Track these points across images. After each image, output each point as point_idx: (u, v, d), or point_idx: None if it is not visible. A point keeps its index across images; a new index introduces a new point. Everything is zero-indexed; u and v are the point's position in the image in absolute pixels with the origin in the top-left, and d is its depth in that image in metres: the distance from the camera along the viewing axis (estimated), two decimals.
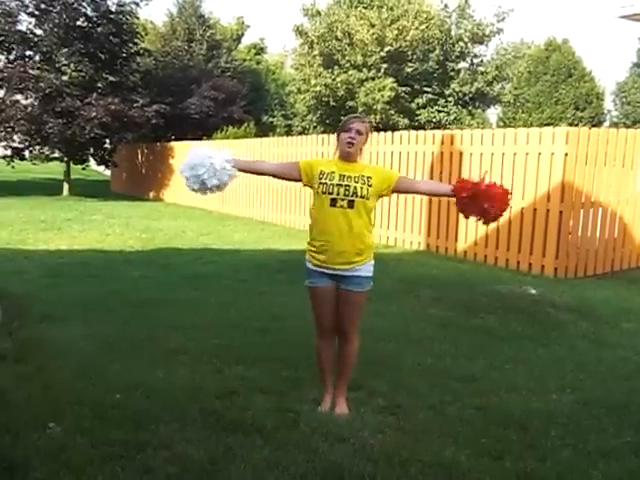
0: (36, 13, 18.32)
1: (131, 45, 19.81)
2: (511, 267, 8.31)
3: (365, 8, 21.53)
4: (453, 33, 21.05)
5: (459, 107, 21.06)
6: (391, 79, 19.66)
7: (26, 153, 19.88)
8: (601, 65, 54.24)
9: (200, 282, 6.80)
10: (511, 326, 5.32)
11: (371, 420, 3.31)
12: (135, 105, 18.54)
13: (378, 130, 13.91)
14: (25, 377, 3.69)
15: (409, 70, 20.25)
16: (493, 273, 7.94)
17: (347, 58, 20.49)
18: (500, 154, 8.48)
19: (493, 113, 30.90)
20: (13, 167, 19.88)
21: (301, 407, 3.42)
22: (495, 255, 8.60)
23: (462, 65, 21.71)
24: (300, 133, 22.18)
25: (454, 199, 3.29)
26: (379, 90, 19.55)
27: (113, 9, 18.97)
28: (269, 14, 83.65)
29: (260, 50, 34.88)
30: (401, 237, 10.12)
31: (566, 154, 7.74)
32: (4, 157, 19.66)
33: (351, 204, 3.23)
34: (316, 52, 20.91)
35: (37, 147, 19.54)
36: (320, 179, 3.29)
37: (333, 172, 3.29)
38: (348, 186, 3.24)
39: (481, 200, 3.16)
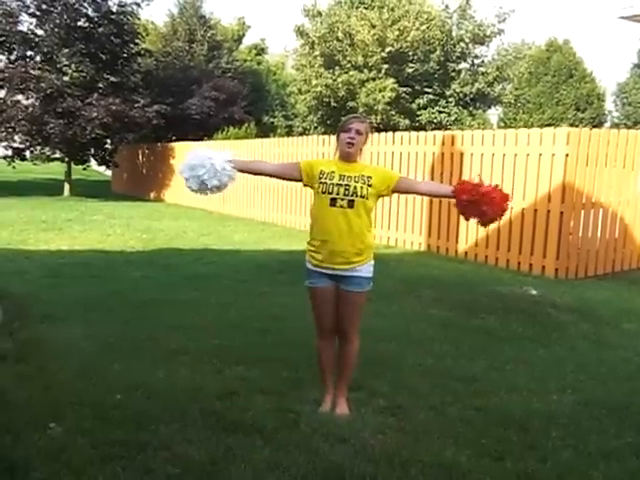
0: (37, 13, 18.33)
1: (132, 45, 19.83)
2: (512, 268, 8.31)
3: (366, 9, 21.53)
4: (454, 34, 21.04)
5: (460, 108, 21.05)
6: (392, 80, 19.66)
7: (27, 153, 19.88)
8: (602, 66, 54.25)
9: (201, 282, 6.80)
10: (512, 327, 5.32)
11: (372, 420, 3.31)
12: (136, 105, 18.55)
13: (379, 131, 13.91)
14: (26, 377, 3.69)
15: (410, 71, 20.25)
16: (494, 274, 7.93)
17: (348, 59, 20.49)
18: (501, 155, 8.48)
19: (494, 114, 30.89)
20: (14, 167, 19.90)
21: (302, 408, 3.42)
22: (496, 256, 8.60)
23: (463, 66, 21.70)
24: (301, 134, 22.19)
25: (454, 200, 3.30)
26: (380, 91, 19.54)
27: (114, 9, 18.98)
28: (270, 15, 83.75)
29: (261, 51, 34.89)
30: (402, 238, 10.12)
31: (567, 155, 7.73)
32: (5, 157, 19.67)
33: (351, 204, 3.24)
34: (317, 53, 20.90)
35: (38, 147, 19.55)
36: (320, 179, 3.29)
37: (333, 172, 3.29)
38: (348, 186, 3.24)
39: (481, 203, 3.17)
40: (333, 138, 3.40)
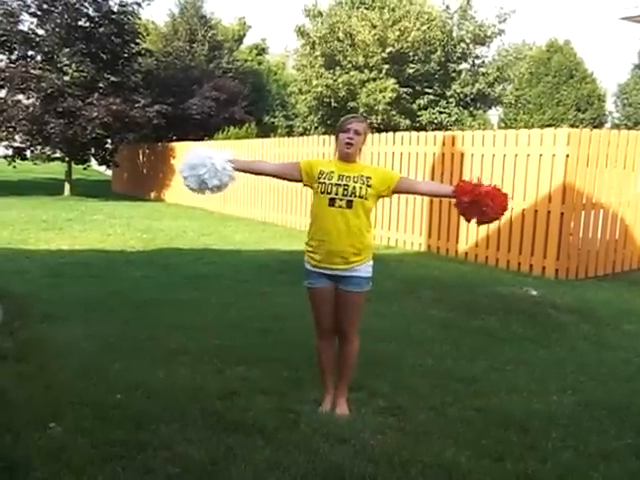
0: (38, 13, 18.34)
1: (133, 45, 19.84)
2: (512, 268, 8.31)
3: (367, 9, 21.53)
4: (455, 34, 21.04)
5: (460, 108, 21.04)
6: (392, 80, 19.65)
7: (27, 153, 19.89)
8: (602, 66, 54.27)
9: (201, 282, 6.80)
10: (512, 327, 5.32)
11: (372, 421, 3.31)
12: (136, 105, 18.55)
13: (379, 131, 13.91)
14: (26, 377, 3.69)
15: (410, 71, 20.24)
16: (494, 274, 7.93)
17: (349, 59, 20.49)
18: (501, 155, 8.48)
19: (494, 114, 30.89)
20: (14, 167, 19.91)
21: (302, 408, 3.42)
22: (496, 256, 8.60)
23: (463, 66, 21.69)
24: (301, 134, 22.19)
25: (455, 201, 3.30)
26: (380, 91, 19.54)
27: (115, 9, 19.00)
28: (271, 15, 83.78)
29: (262, 51, 34.89)
30: (402, 238, 10.12)
31: (567, 155, 7.73)
32: (5, 157, 19.69)
33: (349, 204, 3.24)
34: (318, 53, 20.90)
35: (38, 147, 19.55)
36: (319, 179, 3.30)
37: (332, 172, 3.29)
38: (347, 186, 3.24)
39: (481, 204, 3.17)
40: (333, 138, 3.40)
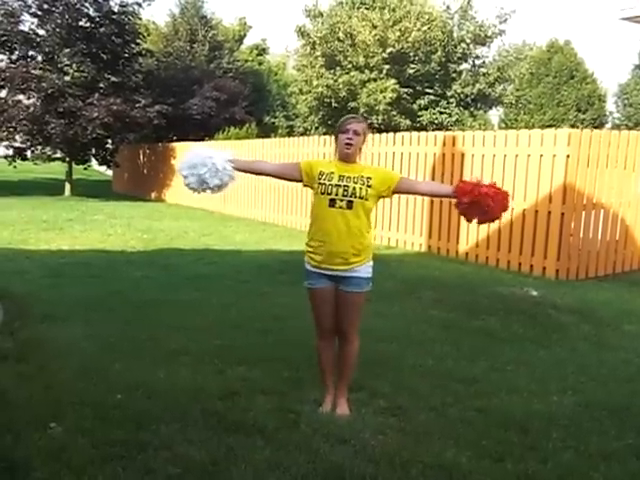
0: (39, 13, 18.34)
1: (133, 46, 19.84)
2: (512, 269, 8.30)
3: (367, 9, 21.52)
4: (455, 34, 21.03)
5: (461, 108, 21.04)
6: (393, 80, 19.65)
7: (28, 153, 19.91)
8: (603, 67, 54.28)
9: (202, 283, 6.80)
10: (512, 328, 5.32)
11: (372, 421, 3.31)
12: (137, 105, 18.56)
13: (380, 131, 13.90)
14: (26, 377, 3.69)
15: (411, 71, 20.23)
16: (494, 275, 7.93)
17: (349, 59, 20.48)
18: (502, 156, 8.48)
19: (495, 115, 30.90)
20: (15, 167, 19.92)
21: (302, 408, 3.42)
22: (497, 257, 8.60)
23: (464, 66, 21.69)
24: (302, 134, 22.19)
25: (455, 201, 3.29)
26: (381, 91, 19.54)
27: (115, 9, 19.00)
28: (271, 15, 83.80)
29: (262, 51, 34.89)
30: (402, 238, 10.12)
31: (568, 156, 7.73)
32: (6, 157, 19.71)
33: (350, 205, 3.23)
34: (318, 53, 20.90)
35: (39, 147, 19.57)
36: (319, 179, 3.29)
37: (332, 173, 3.29)
38: (347, 187, 3.24)
39: (482, 204, 3.17)
40: (334, 139, 3.40)
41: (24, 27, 18.53)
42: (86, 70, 18.35)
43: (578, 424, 3.34)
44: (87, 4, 18.50)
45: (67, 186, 19.75)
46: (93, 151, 20.31)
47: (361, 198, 3.24)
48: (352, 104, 20.16)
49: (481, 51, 21.89)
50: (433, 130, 16.90)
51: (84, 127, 17.59)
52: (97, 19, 18.75)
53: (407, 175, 9.29)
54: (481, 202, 3.16)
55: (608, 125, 29.59)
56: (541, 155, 8.01)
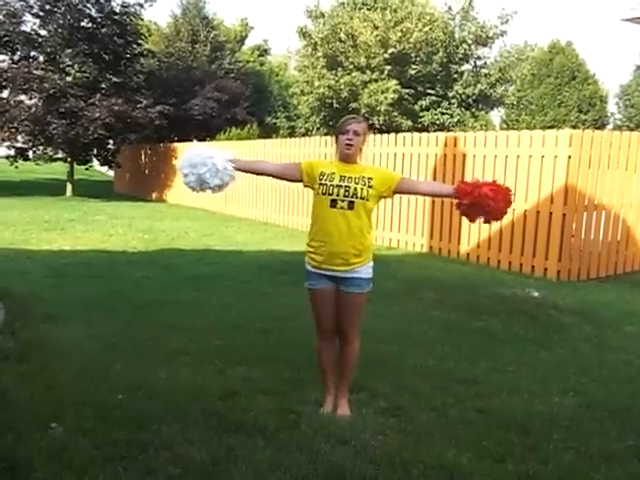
0: (40, 14, 18.37)
1: (135, 46, 19.87)
2: (514, 269, 8.30)
3: (369, 10, 21.55)
4: (457, 35, 21.05)
5: (462, 109, 21.05)
6: (394, 81, 19.67)
7: (30, 153, 19.93)
8: (605, 68, 54.27)
9: (202, 283, 6.80)
10: (514, 329, 5.31)
11: (373, 422, 3.31)
12: (139, 106, 18.58)
13: (381, 132, 13.91)
14: (28, 377, 3.70)
15: (412, 72, 20.25)
16: (496, 275, 7.93)
17: (350, 60, 20.50)
18: (503, 157, 8.47)
19: (496, 115, 30.91)
20: (17, 167, 19.94)
21: (303, 408, 3.42)
22: (498, 257, 8.59)
23: (465, 67, 21.71)
24: (303, 134, 22.21)
25: (456, 201, 3.29)
26: (382, 92, 19.56)
27: (117, 10, 19.02)
28: (273, 16, 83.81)
29: (264, 51, 34.94)
30: (404, 239, 10.11)
31: (569, 157, 7.73)
32: (8, 157, 19.72)
33: (351, 205, 3.23)
34: (320, 54, 20.92)
35: (41, 147, 19.60)
36: (320, 180, 3.29)
37: (333, 173, 3.29)
38: (348, 187, 3.24)
39: (483, 204, 3.15)
40: (334, 139, 3.40)
41: (26, 27, 18.59)
42: (88, 70, 18.37)
43: (579, 425, 3.33)
44: (89, 5, 18.53)
45: (69, 186, 19.77)
46: (95, 151, 20.33)
47: (362, 198, 3.24)
48: (353, 105, 20.18)
49: (483, 52, 21.94)
50: (434, 131, 16.91)
51: (86, 127, 17.61)
52: (99, 20, 18.77)
53: (409, 176, 9.29)
54: (481, 203, 3.15)
55: (610, 126, 29.60)
56: (542, 156, 8.00)
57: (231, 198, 14.84)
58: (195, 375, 3.84)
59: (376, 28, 19.77)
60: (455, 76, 21.07)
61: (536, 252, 8.09)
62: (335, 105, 20.66)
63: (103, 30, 18.56)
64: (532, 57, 31.94)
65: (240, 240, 10.56)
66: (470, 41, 20.76)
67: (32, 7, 18.38)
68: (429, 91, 20.89)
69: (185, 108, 22.20)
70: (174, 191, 18.66)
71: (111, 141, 20.08)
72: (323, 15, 22.33)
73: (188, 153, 3.28)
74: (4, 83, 18.00)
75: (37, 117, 17.66)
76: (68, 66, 18.67)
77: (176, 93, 22.54)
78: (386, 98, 19.43)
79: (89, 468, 2.68)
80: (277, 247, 9.71)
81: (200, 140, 19.19)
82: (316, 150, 11.91)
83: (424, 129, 18.86)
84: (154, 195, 20.26)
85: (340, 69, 20.68)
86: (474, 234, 8.85)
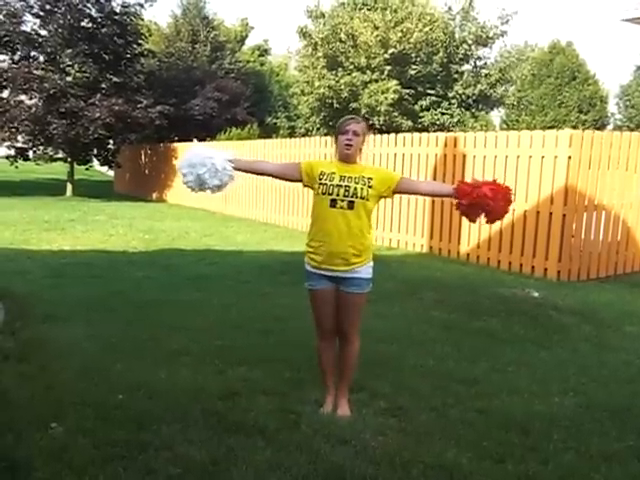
0: (41, 14, 18.38)
1: (135, 46, 19.88)
2: (514, 270, 8.30)
3: (369, 10, 21.56)
4: (457, 35, 21.06)
5: (462, 109, 21.06)
6: (395, 81, 19.67)
7: (30, 153, 19.94)
8: (605, 68, 54.28)
9: (203, 283, 6.80)
10: (514, 329, 5.32)
11: (373, 422, 3.31)
12: (139, 106, 18.59)
13: (381, 132, 13.91)
14: (28, 377, 3.70)
15: (413, 72, 20.26)
16: (496, 276, 7.93)
17: (351, 60, 20.51)
18: (503, 157, 8.47)
19: (496, 115, 30.93)
20: (17, 167, 19.94)
21: (303, 408, 3.42)
22: (498, 258, 8.59)
23: (466, 67, 21.72)
24: (303, 135, 22.22)
25: (456, 201, 3.29)
26: (383, 92, 19.56)
27: (117, 10, 19.03)
28: (273, 16, 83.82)
29: (264, 52, 34.95)
30: (404, 239, 10.11)
31: (569, 157, 7.73)
32: (8, 157, 19.72)
33: (351, 205, 3.24)
34: (320, 54, 20.93)
35: (41, 147, 19.61)
36: (320, 180, 3.30)
37: (333, 173, 3.29)
38: (348, 187, 3.24)
39: (483, 204, 3.15)
40: (333, 140, 3.40)
41: (26, 27, 18.60)
42: (88, 70, 18.37)
43: (579, 425, 3.33)
44: (89, 5, 18.54)
45: (69, 186, 19.78)
46: (95, 151, 20.34)
47: (362, 198, 3.24)
48: (354, 105, 20.19)
49: (483, 52, 21.96)
50: (434, 131, 16.91)
51: (86, 127, 17.62)
52: (99, 20, 18.78)
53: (409, 176, 9.29)
54: (481, 203, 3.15)
55: (610, 126, 29.61)
56: (542, 156, 8.00)
57: (231, 198, 14.85)
58: (195, 375, 3.84)
59: (376, 28, 19.77)
60: (455, 76, 21.07)
61: (536, 252, 8.09)
62: (335, 105, 20.67)
63: (103, 30, 18.57)
64: (532, 57, 31.97)
65: (240, 240, 10.56)
66: (470, 41, 20.77)
67: (32, 7, 18.39)
68: (429, 91, 20.89)
69: (185, 108, 22.21)
70: (174, 191, 18.66)
71: (111, 141, 20.09)
72: (323, 15, 22.34)
73: (188, 153, 3.29)
74: (4, 83, 18.01)
75: (37, 117, 17.67)
76: (68, 66, 18.67)
77: (176, 93, 22.55)
78: (386, 98, 19.43)
79: (89, 468, 2.69)
80: (277, 247, 9.71)
81: (200, 140, 19.19)
82: (316, 150, 11.92)
83: (424, 129, 18.86)
84: (154, 195, 20.26)
85: (340, 69, 20.68)
86: (474, 234, 8.85)
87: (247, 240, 10.62)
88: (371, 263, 3.37)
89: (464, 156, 9.01)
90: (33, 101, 18.46)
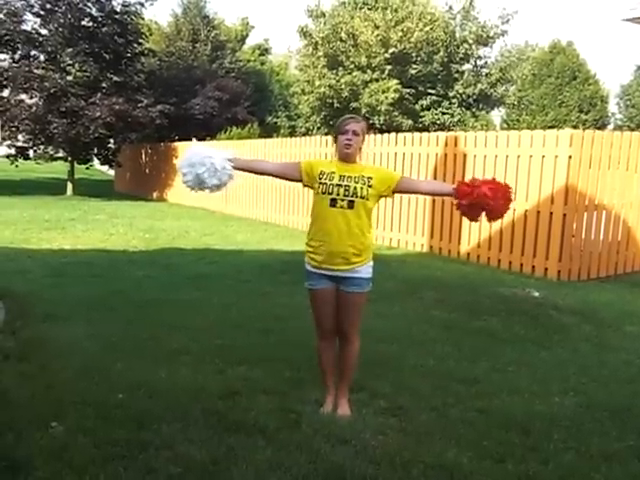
0: (41, 13, 18.38)
1: (136, 45, 19.87)
2: (514, 269, 8.30)
3: (369, 9, 21.55)
4: (457, 35, 21.05)
5: (463, 109, 21.06)
6: (395, 81, 19.67)
7: (30, 152, 19.94)
8: (605, 68, 54.26)
9: (203, 282, 6.80)
10: (514, 329, 5.31)
11: (373, 421, 3.31)
12: (139, 105, 18.59)
13: (382, 132, 13.91)
14: (28, 376, 3.70)
15: (413, 72, 20.25)
16: (496, 275, 7.93)
17: (351, 59, 20.50)
18: (504, 156, 8.47)
19: (497, 115, 30.91)
20: (17, 166, 19.95)
21: (303, 408, 3.42)
22: (498, 257, 8.59)
23: (466, 67, 21.71)
24: (304, 134, 22.21)
25: (456, 201, 3.28)
26: (383, 92, 19.56)
27: (118, 9, 19.02)
28: (273, 15, 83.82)
29: (264, 51, 34.93)
30: (404, 239, 10.11)
31: (570, 157, 7.73)
32: (8, 156, 19.72)
33: (351, 204, 3.23)
34: (320, 53, 20.92)
35: (41, 146, 19.60)
36: (320, 179, 3.29)
37: (333, 172, 3.29)
38: (348, 186, 3.24)
39: (482, 204, 3.15)
40: (333, 140, 3.40)
41: (27, 26, 18.60)
42: (88, 70, 18.36)
43: (579, 425, 3.33)
44: (90, 4, 18.54)
45: (69, 185, 19.77)
46: (95, 151, 20.34)
47: (362, 198, 3.24)
48: (354, 104, 20.18)
49: (483, 52, 21.96)
50: (435, 131, 16.90)
51: (86, 127, 17.62)
52: (100, 19, 18.77)
53: (409, 176, 9.28)
54: (481, 203, 3.14)
55: (610, 126, 29.60)
56: (543, 156, 8.00)
57: (231, 197, 14.84)
58: (195, 374, 3.84)
59: (377, 28, 19.77)
60: (456, 76, 21.07)
61: (536, 252, 8.09)
62: (336, 105, 20.66)
63: (104, 29, 18.56)
64: (533, 57, 31.97)
65: (240, 240, 10.56)
66: (471, 41, 20.76)
67: (33, 6, 18.38)
68: (430, 91, 20.89)
69: (186, 107, 22.21)
70: (175, 190, 18.66)
71: (112, 140, 20.09)
72: (324, 14, 22.32)
73: (187, 152, 3.29)
74: (5, 82, 18.01)
75: (38, 116, 17.67)
76: (69, 65, 18.66)
77: (177, 92, 22.55)
78: (387, 98, 19.43)
79: (89, 467, 2.68)
80: (277, 247, 9.71)
81: (201, 139, 19.18)
82: (317, 150, 11.92)
83: (425, 129, 18.86)
84: (155, 194, 20.26)
85: (341, 69, 20.68)
86: (474, 234, 8.85)
87: (247, 239, 10.62)
88: (371, 262, 3.37)
89: (464, 156, 9.00)
90: (33, 100, 18.45)
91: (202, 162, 3.20)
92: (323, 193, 3.27)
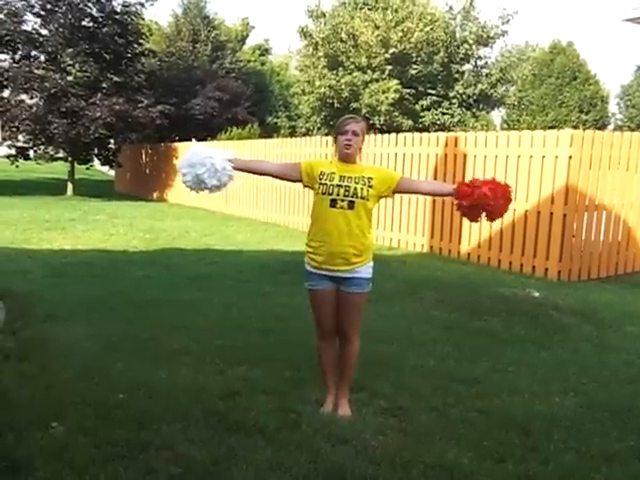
0: (42, 13, 18.38)
1: (136, 45, 19.87)
2: (514, 270, 8.30)
3: (370, 10, 21.54)
4: (458, 35, 21.05)
5: (463, 109, 21.05)
6: (395, 81, 19.66)
7: (30, 153, 19.94)
8: (606, 68, 54.27)
9: (203, 283, 6.80)
10: (514, 329, 5.31)
11: (373, 421, 3.31)
12: (140, 105, 18.58)
13: (382, 132, 13.91)
14: (28, 376, 3.70)
15: (413, 72, 20.25)
16: (496, 275, 7.93)
17: (351, 60, 20.50)
18: (504, 157, 8.47)
19: (497, 115, 30.91)
20: (17, 167, 19.94)
21: (303, 408, 3.42)
22: (498, 257, 8.59)
23: (466, 67, 21.71)
24: (304, 134, 22.21)
25: (456, 202, 3.29)
26: (383, 92, 19.55)
27: (118, 9, 19.02)
28: (274, 15, 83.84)
29: (265, 51, 34.93)
30: (404, 239, 10.11)
31: (570, 157, 7.73)
32: (9, 156, 19.72)
33: (351, 205, 3.23)
34: (321, 54, 20.92)
35: (41, 147, 19.61)
36: (320, 180, 3.29)
37: (333, 173, 3.29)
38: (348, 187, 3.24)
39: (483, 204, 3.15)
40: (333, 140, 3.40)
41: (27, 27, 18.59)
42: (89, 70, 18.36)
43: (580, 425, 3.33)
44: (90, 4, 18.54)
45: (69, 186, 19.77)
46: (95, 151, 20.33)
47: (362, 198, 3.24)
48: (354, 105, 20.18)
49: (483, 52, 21.95)
50: (435, 131, 16.89)
51: (87, 127, 17.62)
52: (100, 19, 18.77)
53: (409, 176, 9.29)
54: (481, 203, 3.15)
55: (610, 126, 29.60)
56: (543, 156, 8.00)
57: (232, 198, 14.84)
58: (196, 375, 3.85)
59: (377, 28, 19.76)
60: (456, 76, 21.06)
61: (537, 252, 8.09)
62: (336, 105, 20.66)
63: (104, 29, 18.56)
64: (533, 57, 31.97)
65: (240, 240, 10.56)
66: (471, 41, 20.76)
67: (33, 6, 18.38)
68: (430, 91, 20.88)
69: (186, 108, 22.21)
70: (175, 191, 18.66)
71: (112, 140, 20.09)
72: (324, 15, 22.32)
73: (188, 153, 3.29)
74: (5, 82, 18.01)
75: (38, 116, 17.67)
76: (69, 65, 18.66)
77: (177, 93, 22.55)
78: (387, 98, 19.43)
79: (90, 467, 2.69)
80: (277, 247, 9.71)
81: (201, 140, 19.18)
82: (317, 150, 11.92)
83: (425, 129, 18.85)
84: (155, 195, 20.26)
85: (341, 69, 20.67)
86: (475, 234, 8.85)
87: (247, 239, 10.62)
88: (371, 263, 3.37)
89: (465, 156, 9.00)
90: (34, 100, 18.45)
91: (202, 162, 3.20)
92: (323, 194, 3.27)
